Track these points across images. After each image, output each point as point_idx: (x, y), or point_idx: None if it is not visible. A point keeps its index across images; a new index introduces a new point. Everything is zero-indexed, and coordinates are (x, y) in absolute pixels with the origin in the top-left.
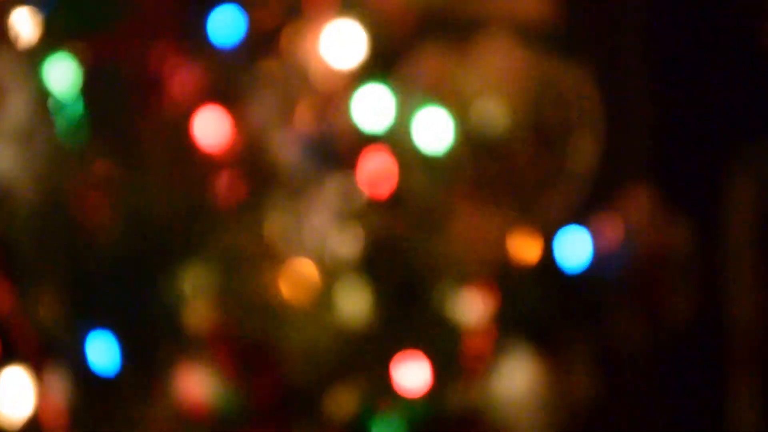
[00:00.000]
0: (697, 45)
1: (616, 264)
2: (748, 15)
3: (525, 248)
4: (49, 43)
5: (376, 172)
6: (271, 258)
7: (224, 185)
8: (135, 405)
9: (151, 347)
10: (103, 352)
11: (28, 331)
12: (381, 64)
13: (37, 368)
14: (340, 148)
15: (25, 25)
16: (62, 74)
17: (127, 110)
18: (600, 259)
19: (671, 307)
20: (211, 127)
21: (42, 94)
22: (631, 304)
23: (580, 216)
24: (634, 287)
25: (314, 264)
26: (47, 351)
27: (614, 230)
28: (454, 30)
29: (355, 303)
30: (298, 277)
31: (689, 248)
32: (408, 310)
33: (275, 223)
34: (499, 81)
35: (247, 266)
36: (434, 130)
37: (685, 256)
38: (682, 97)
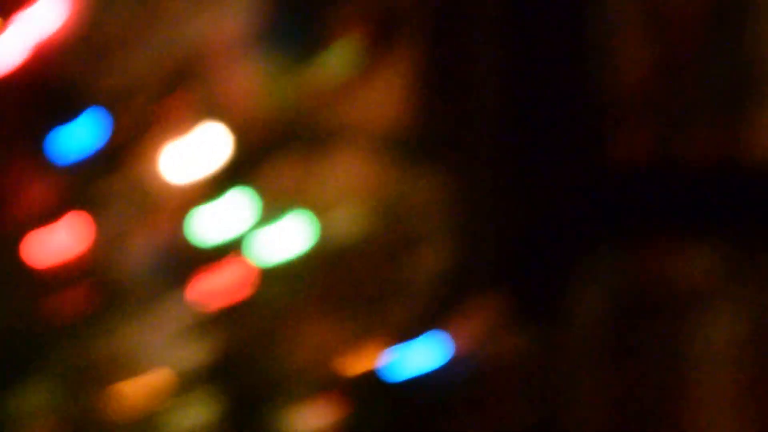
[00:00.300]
0: (547, 153)
1: (461, 371)
2: (598, 126)
3: (370, 357)
4: None
5: (225, 282)
6: (117, 371)
7: (70, 298)
8: None
9: None
10: None
11: None
12: (233, 174)
13: None
14: (191, 259)
15: None
16: None
17: None
18: (446, 366)
19: (513, 413)
20: (58, 240)
21: None
22: (474, 410)
23: (426, 324)
24: (478, 394)
25: (160, 376)
26: None
27: (460, 338)
28: (306, 138)
29: (200, 414)
30: (143, 389)
31: (533, 356)
32: (253, 421)
33: (121, 336)
34: (349, 190)
35: (91, 380)
36: (285, 240)
37: (529, 364)
38: (530, 206)
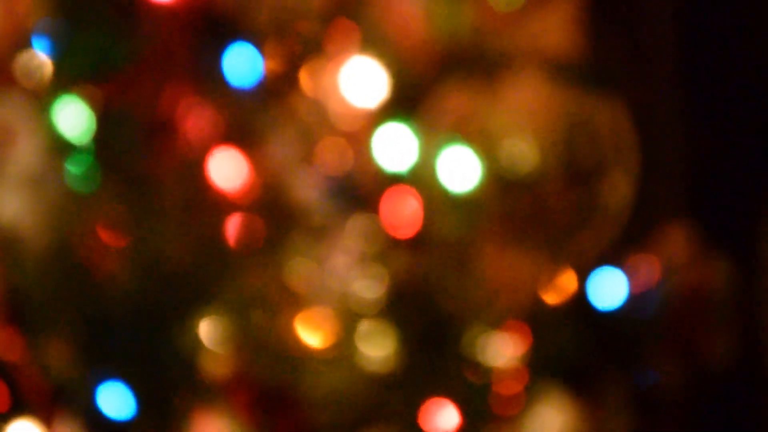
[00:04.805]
0: (735, 76)
1: (652, 304)
2: None
3: (557, 288)
4: (60, 86)
5: (399, 212)
6: (292, 302)
7: (242, 228)
8: None
9: (167, 395)
10: (116, 401)
11: (39, 382)
12: (404, 102)
13: (48, 420)
14: (363, 189)
15: (36, 68)
16: (73, 118)
17: (140, 153)
18: (635, 298)
19: (709, 347)
20: (227, 169)
21: (52, 138)
22: (667, 344)
23: (614, 255)
24: (671, 327)
25: (337, 308)
26: (59, 402)
27: (650, 269)
28: (479, 66)
29: (379, 347)
30: (319, 321)
31: (728, 287)
32: (435, 354)
33: (295, 267)
34: (527, 117)
35: (266, 311)
36: (460, 169)
37: (724, 296)
38: (720, 133)
